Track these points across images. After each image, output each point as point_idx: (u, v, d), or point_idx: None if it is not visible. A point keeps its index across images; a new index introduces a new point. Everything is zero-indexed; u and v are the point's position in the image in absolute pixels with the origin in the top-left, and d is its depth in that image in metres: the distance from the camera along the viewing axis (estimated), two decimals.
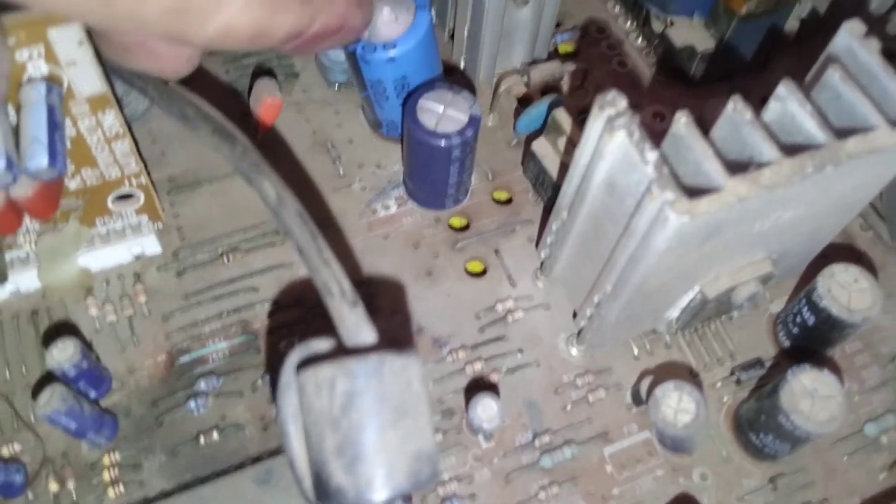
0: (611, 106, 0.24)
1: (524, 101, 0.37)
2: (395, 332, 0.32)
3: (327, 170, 0.35)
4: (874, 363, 0.33)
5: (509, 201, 0.35)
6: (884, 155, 0.24)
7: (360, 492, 0.19)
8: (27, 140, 0.23)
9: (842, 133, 0.24)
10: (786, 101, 0.25)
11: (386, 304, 0.32)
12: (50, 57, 0.24)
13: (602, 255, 0.27)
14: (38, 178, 0.23)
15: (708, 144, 0.24)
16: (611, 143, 0.24)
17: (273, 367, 0.30)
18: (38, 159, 0.23)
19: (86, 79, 0.25)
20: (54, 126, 0.23)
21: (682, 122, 0.24)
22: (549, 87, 0.37)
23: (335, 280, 0.21)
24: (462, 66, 0.38)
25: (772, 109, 0.25)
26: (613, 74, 0.39)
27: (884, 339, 0.33)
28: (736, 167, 0.23)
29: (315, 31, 0.22)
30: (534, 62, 0.37)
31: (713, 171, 0.23)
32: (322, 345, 0.21)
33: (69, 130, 0.26)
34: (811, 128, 0.24)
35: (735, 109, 0.24)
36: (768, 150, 0.24)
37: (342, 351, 0.21)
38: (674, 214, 0.22)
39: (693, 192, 0.23)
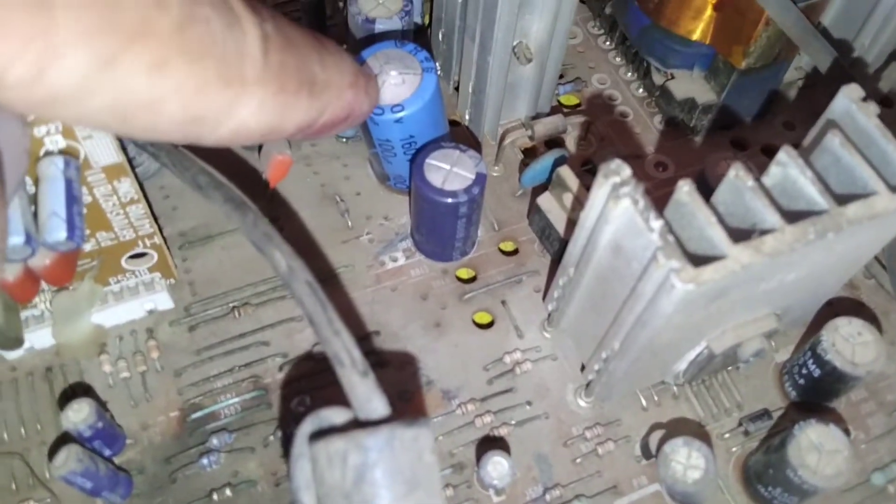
0: (615, 174, 0.24)
1: (529, 153, 0.38)
2: (405, 385, 0.32)
3: (336, 222, 0.36)
4: (879, 411, 0.33)
5: (515, 252, 0.36)
6: (884, 219, 0.25)
7: None
8: (45, 214, 0.23)
9: (842, 198, 0.24)
10: (787, 167, 0.25)
11: (395, 356, 0.33)
12: (67, 132, 0.24)
13: (609, 312, 0.28)
14: (56, 250, 0.24)
15: (710, 212, 0.24)
16: (616, 209, 0.24)
17: (285, 423, 0.31)
18: (57, 233, 0.23)
19: (102, 150, 0.25)
20: (72, 199, 0.24)
21: (684, 190, 0.24)
22: (552, 140, 0.38)
23: (345, 350, 0.21)
24: (467, 119, 0.38)
25: (773, 174, 0.26)
26: (615, 124, 0.40)
27: (889, 386, 0.33)
28: (739, 234, 0.24)
29: (324, 123, 0.23)
30: (537, 115, 0.38)
31: (717, 238, 0.24)
32: (334, 415, 0.22)
33: (85, 198, 0.27)
34: (812, 194, 0.25)
35: (737, 176, 0.25)
36: (771, 217, 0.24)
37: (354, 422, 0.21)
38: (679, 283, 0.23)
39: (697, 260, 0.23)
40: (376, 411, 0.21)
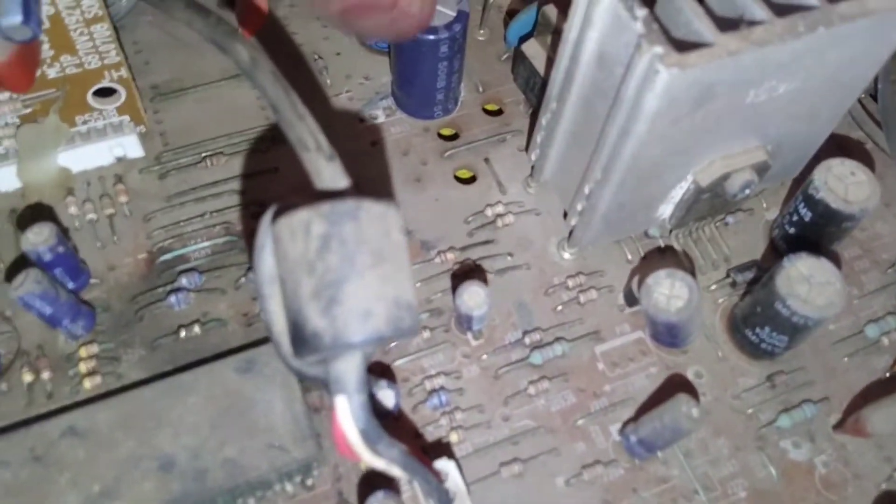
0: None
1: (513, 15, 0.36)
2: None
3: (314, 81, 0.35)
4: (874, 268, 0.32)
5: (499, 112, 0.35)
6: (877, 21, 0.24)
7: (338, 334, 0.18)
8: None
9: None
10: None
11: None
12: None
13: (592, 139, 0.27)
14: (12, 39, 0.23)
15: (697, 3, 0.23)
16: (599, 5, 0.23)
17: None
18: (12, 16, 0.22)
19: None
20: None
21: None
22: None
23: (310, 134, 0.20)
24: None
25: None
26: None
27: (883, 245, 0.32)
28: (728, 26, 0.23)
29: None
30: None
31: (704, 28, 0.23)
32: (298, 201, 0.21)
33: (47, 8, 0.26)
34: None
35: None
36: (760, 11, 0.23)
37: (319, 195, 0.20)
38: (664, 68, 0.21)
39: (684, 48, 0.22)
40: (342, 187, 0.20)
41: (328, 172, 0.20)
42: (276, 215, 0.20)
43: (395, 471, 0.21)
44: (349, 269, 0.19)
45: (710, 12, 0.23)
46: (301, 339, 0.19)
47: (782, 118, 0.27)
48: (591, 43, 0.25)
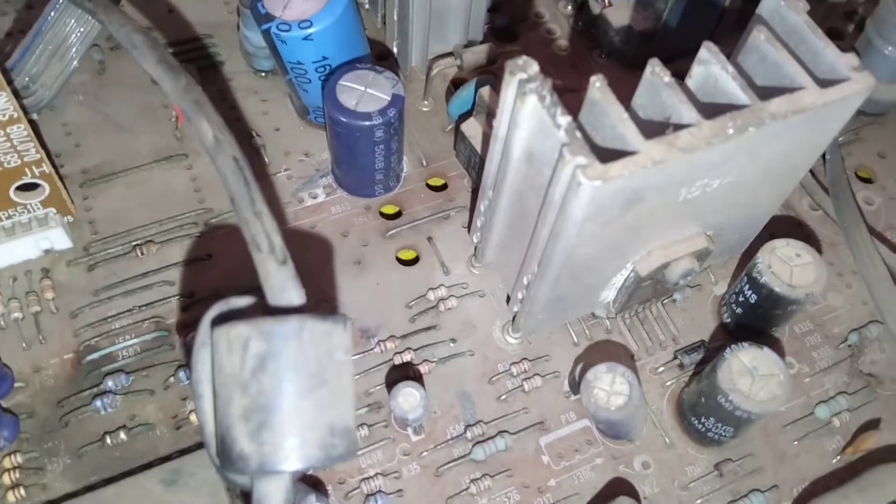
0: (521, 70, 0.22)
1: (459, 85, 0.36)
2: None
3: (252, 159, 0.34)
4: (825, 344, 0.31)
5: (444, 187, 0.34)
6: (811, 116, 0.23)
7: (264, 460, 0.17)
8: None
9: (768, 94, 0.23)
10: (708, 64, 0.24)
11: (311, 295, 0.30)
12: None
13: (527, 232, 0.26)
14: None
15: (622, 108, 0.22)
16: (524, 108, 0.23)
17: (189, 362, 0.29)
18: None
19: None
20: None
21: (596, 86, 0.23)
22: (484, 72, 0.36)
23: (264, 234, 0.19)
24: (395, 50, 0.36)
25: (695, 74, 0.24)
26: (553, 58, 0.38)
27: (835, 319, 0.32)
28: (654, 132, 0.22)
29: None
30: (469, 44, 0.36)
31: (628, 134, 0.22)
32: (243, 301, 0.20)
33: None
34: (734, 89, 0.23)
35: (653, 72, 0.23)
36: (688, 113, 0.23)
37: (263, 309, 0.19)
38: (586, 180, 0.21)
39: (608, 157, 0.21)
40: (290, 301, 0.19)
41: (277, 280, 0.19)
42: (217, 320, 0.19)
43: None
44: (284, 394, 0.18)
45: (635, 116, 0.23)
46: (228, 457, 0.18)
47: (720, 207, 0.26)
48: (518, 142, 0.24)
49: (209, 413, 0.19)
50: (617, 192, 0.22)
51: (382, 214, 0.33)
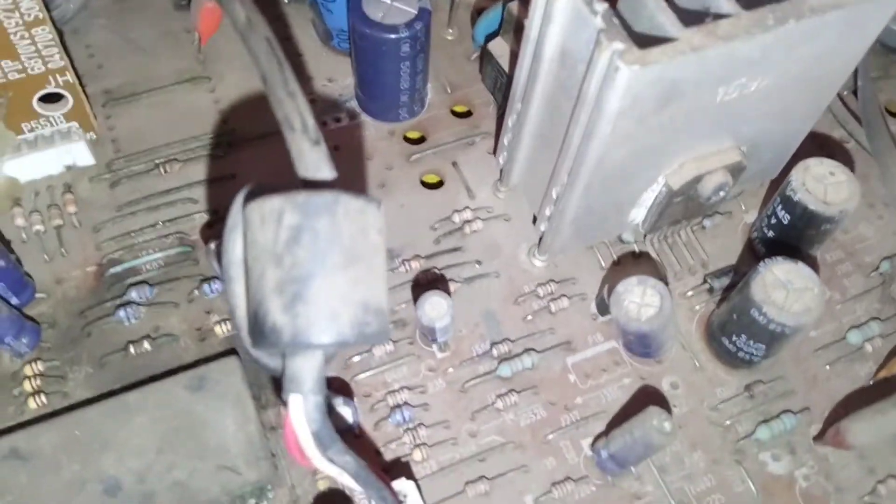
0: None
1: (481, 13, 0.35)
2: None
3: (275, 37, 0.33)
4: (857, 272, 0.31)
5: (468, 114, 0.33)
6: (851, 14, 0.22)
7: (298, 332, 0.17)
8: None
9: None
10: None
11: None
12: None
13: (559, 141, 0.25)
14: None
15: None
16: (559, 1, 0.22)
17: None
18: None
19: None
20: None
21: None
22: None
23: (298, 114, 0.19)
24: None
25: None
26: None
27: (866, 248, 0.31)
28: (693, 20, 0.22)
29: None
30: None
31: (667, 22, 0.21)
32: (274, 185, 0.19)
33: None
34: None
35: None
36: (726, 4, 0.22)
37: (297, 184, 0.19)
38: (624, 65, 0.20)
39: (646, 45, 0.21)
40: (323, 177, 0.19)
41: (311, 158, 0.19)
42: (249, 197, 0.19)
43: (347, 480, 0.20)
44: (318, 267, 0.17)
45: (674, 5, 0.22)
46: (260, 331, 0.18)
47: (756, 117, 0.26)
48: (552, 39, 0.23)
49: (240, 297, 0.19)
50: (654, 82, 0.21)
51: (406, 139, 0.33)
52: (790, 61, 0.23)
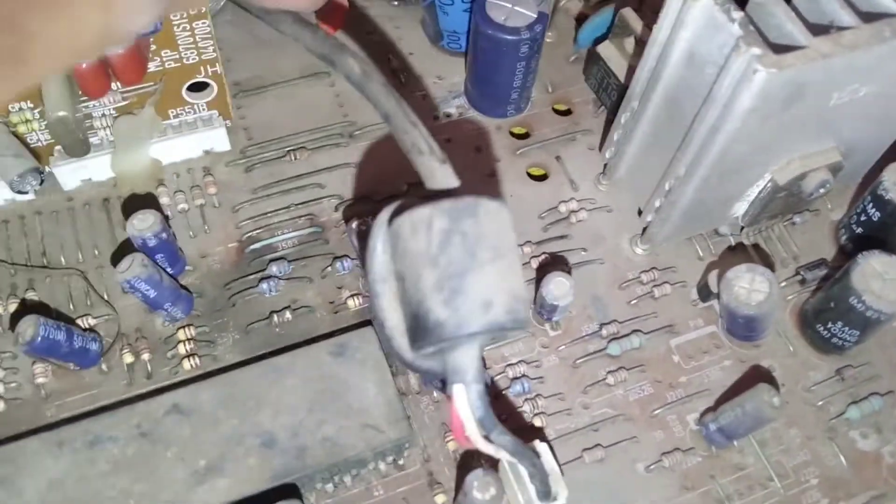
0: None
1: (582, 19, 0.37)
2: None
3: (389, 79, 0.36)
4: None
5: (569, 112, 0.36)
6: None
7: (460, 323, 0.19)
8: None
9: None
10: None
11: None
12: None
13: (676, 137, 0.28)
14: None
15: (789, 8, 0.24)
16: (694, 8, 0.24)
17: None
18: None
19: None
20: None
21: None
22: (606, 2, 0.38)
23: (423, 139, 0.21)
24: None
25: None
26: None
27: None
28: (817, 31, 0.24)
29: None
30: None
31: (797, 31, 0.24)
32: (413, 202, 0.22)
33: None
34: (888, 1, 0.25)
35: None
36: (848, 17, 0.24)
37: (434, 196, 0.21)
38: (762, 68, 0.23)
39: (778, 50, 0.23)
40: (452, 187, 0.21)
41: (441, 174, 0.21)
42: (394, 216, 0.21)
43: (504, 455, 0.22)
44: (471, 262, 0.19)
45: (800, 17, 0.24)
46: (423, 329, 0.20)
47: (858, 121, 0.28)
48: (681, 43, 0.26)
49: (388, 309, 0.21)
50: (785, 84, 0.23)
51: (512, 134, 0.35)
52: None
